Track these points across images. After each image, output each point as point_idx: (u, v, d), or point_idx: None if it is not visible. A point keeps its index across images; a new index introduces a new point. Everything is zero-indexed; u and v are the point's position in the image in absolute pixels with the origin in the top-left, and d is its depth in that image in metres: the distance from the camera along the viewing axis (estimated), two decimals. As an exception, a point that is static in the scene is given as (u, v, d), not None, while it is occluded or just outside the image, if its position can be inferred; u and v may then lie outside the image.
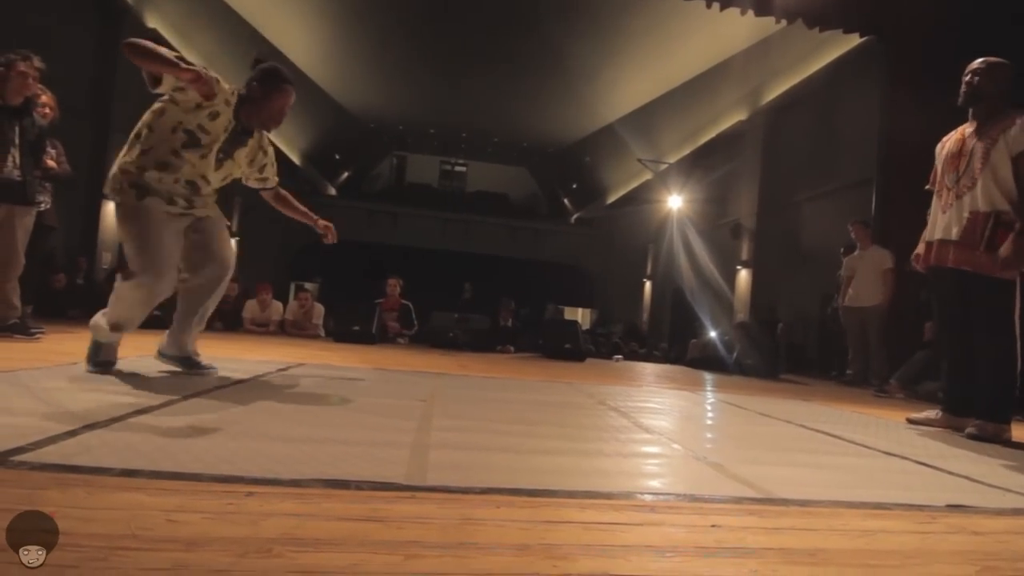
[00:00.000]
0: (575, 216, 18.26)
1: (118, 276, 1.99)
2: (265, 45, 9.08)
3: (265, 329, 5.97)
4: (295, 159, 14.28)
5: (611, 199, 16.17)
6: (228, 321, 5.99)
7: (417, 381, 2.66)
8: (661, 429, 1.85)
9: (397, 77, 12.26)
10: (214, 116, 1.91)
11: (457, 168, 19.26)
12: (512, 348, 6.21)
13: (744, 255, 9.36)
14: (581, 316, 16.53)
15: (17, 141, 2.95)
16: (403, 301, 6.31)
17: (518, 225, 16.71)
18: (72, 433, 1.12)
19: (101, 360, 1.96)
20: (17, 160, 2.94)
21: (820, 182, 7.93)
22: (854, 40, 6.66)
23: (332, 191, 17.32)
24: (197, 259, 2.04)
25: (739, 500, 1.05)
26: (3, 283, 2.99)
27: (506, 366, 4.27)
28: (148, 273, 1.87)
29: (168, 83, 1.81)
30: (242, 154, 2.07)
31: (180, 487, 0.87)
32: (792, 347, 7.33)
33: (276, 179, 2.28)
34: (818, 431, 2.03)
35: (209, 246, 2.06)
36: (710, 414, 2.50)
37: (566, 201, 18.63)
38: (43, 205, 3.38)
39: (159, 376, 2.02)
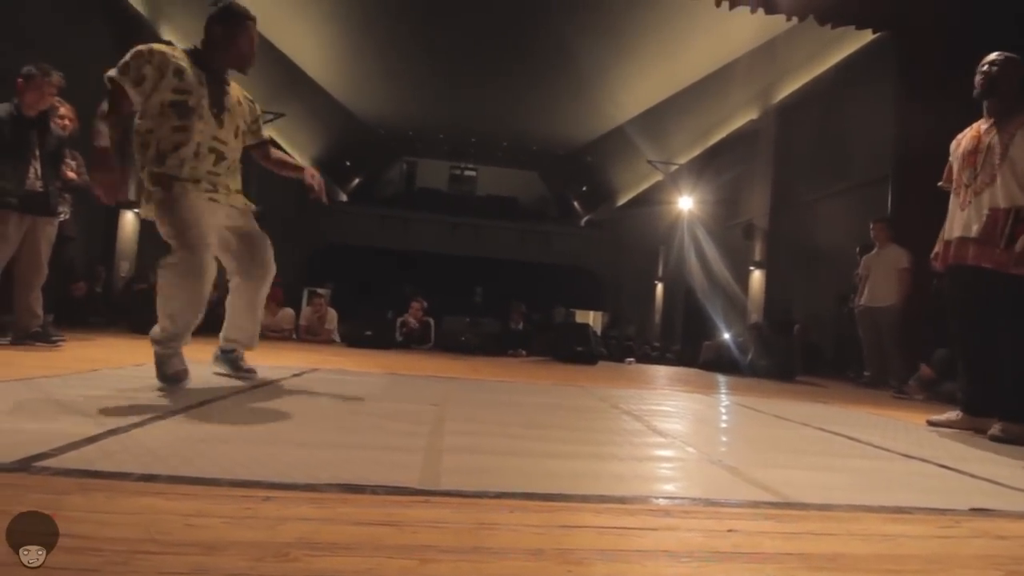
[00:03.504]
0: (585, 219, 18.22)
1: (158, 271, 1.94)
2: (276, 53, 9.23)
3: (278, 334, 6.03)
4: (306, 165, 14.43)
5: (621, 201, 16.11)
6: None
7: (429, 385, 2.67)
8: (675, 432, 1.83)
9: (406, 84, 12.36)
10: (179, 73, 1.89)
11: (467, 173, 19.33)
12: (524, 352, 6.21)
13: (757, 255, 9.26)
14: (592, 319, 16.48)
15: (38, 153, 3.02)
16: (425, 319, 6.34)
17: (528, 228, 16.73)
18: (93, 439, 1.14)
19: (168, 375, 1.89)
20: (39, 171, 3.01)
21: (834, 181, 7.83)
22: (867, 36, 6.58)
23: (343, 197, 17.48)
24: (245, 264, 2.13)
25: (756, 504, 1.04)
26: (27, 293, 3.07)
27: (518, 370, 4.27)
28: (184, 248, 1.86)
29: (134, 95, 1.85)
30: (233, 103, 2.05)
31: (198, 492, 0.89)
32: (808, 348, 7.22)
33: (264, 135, 2.28)
34: (836, 434, 2.00)
35: (254, 252, 2.14)
36: (725, 417, 2.48)
37: (576, 204, 18.60)
38: (63, 215, 3.46)
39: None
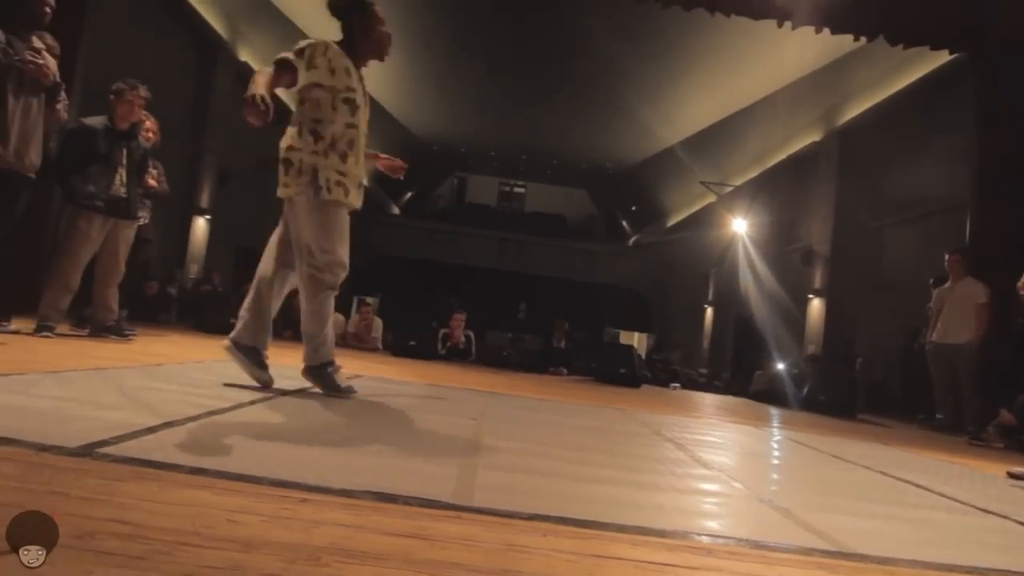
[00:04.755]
0: (633, 239, 17.96)
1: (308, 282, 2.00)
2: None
3: (328, 340, 6.23)
4: (363, 179, 15.05)
5: (671, 222, 15.80)
6: (297, 331, 6.30)
7: (469, 399, 2.67)
8: (721, 465, 1.74)
9: (460, 101, 12.72)
10: (348, 71, 1.95)
11: (516, 189, 19.57)
12: (565, 370, 6.13)
13: (817, 283, 8.81)
14: (637, 341, 16.12)
15: (124, 162, 3.29)
16: (466, 332, 6.39)
17: (575, 247, 16.67)
18: (152, 429, 1.20)
19: (334, 386, 2.05)
20: (124, 179, 3.28)
21: (904, 207, 7.38)
22: (942, 57, 6.21)
23: (396, 210, 18.06)
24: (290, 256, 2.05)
25: (808, 551, 0.96)
26: (104, 289, 3.32)
27: (558, 388, 4.21)
28: (339, 266, 1.98)
29: (303, 76, 1.88)
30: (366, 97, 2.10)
31: (242, 488, 0.92)
32: (872, 384, 6.76)
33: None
34: (901, 480, 1.85)
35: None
36: (776, 452, 2.34)
37: (624, 223, 18.39)
38: (143, 220, 3.74)
39: (232, 380, 2.15)
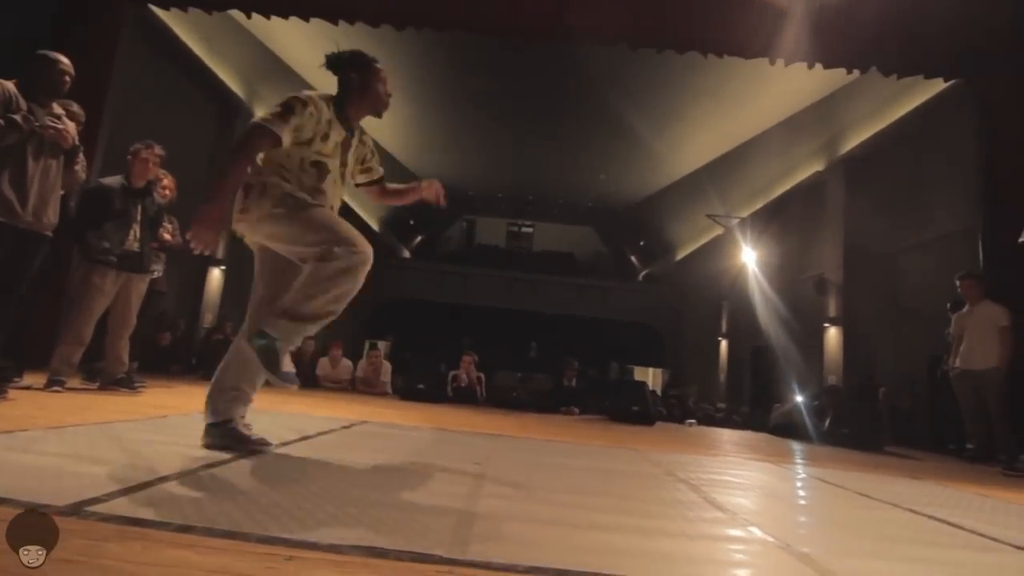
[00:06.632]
0: (643, 273, 17.94)
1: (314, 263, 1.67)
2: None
3: (338, 385, 6.21)
4: (373, 225, 15.38)
5: (680, 255, 15.79)
6: (305, 378, 6.31)
7: (475, 443, 2.61)
8: (737, 507, 1.66)
9: (466, 146, 13.10)
10: (325, 137, 1.82)
11: (524, 229, 19.81)
12: (576, 409, 6.01)
13: (832, 311, 8.65)
14: (651, 377, 15.82)
15: (139, 218, 3.40)
16: (477, 374, 6.34)
17: (585, 283, 16.66)
18: (146, 485, 1.19)
19: (281, 371, 1.64)
20: (137, 234, 3.38)
21: (915, 232, 7.30)
22: (939, 84, 6.30)
23: (407, 254, 18.33)
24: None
25: (828, 601, 0.90)
26: (116, 341, 3.37)
27: (568, 429, 4.11)
28: (347, 243, 1.67)
29: (287, 137, 1.74)
30: (351, 157, 1.96)
31: (228, 546, 0.89)
32: (897, 415, 6.50)
33: (381, 169, 2.11)
34: (933, 518, 1.74)
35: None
36: (797, 492, 2.23)
37: (633, 259, 18.43)
38: (156, 273, 3.83)
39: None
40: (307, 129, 1.78)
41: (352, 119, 1.94)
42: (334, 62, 1.92)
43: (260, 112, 1.75)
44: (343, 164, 1.92)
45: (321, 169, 1.82)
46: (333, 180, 1.86)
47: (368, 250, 1.72)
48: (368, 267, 1.72)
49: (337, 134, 1.86)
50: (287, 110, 1.74)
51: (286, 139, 1.74)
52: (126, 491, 1.11)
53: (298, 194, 1.75)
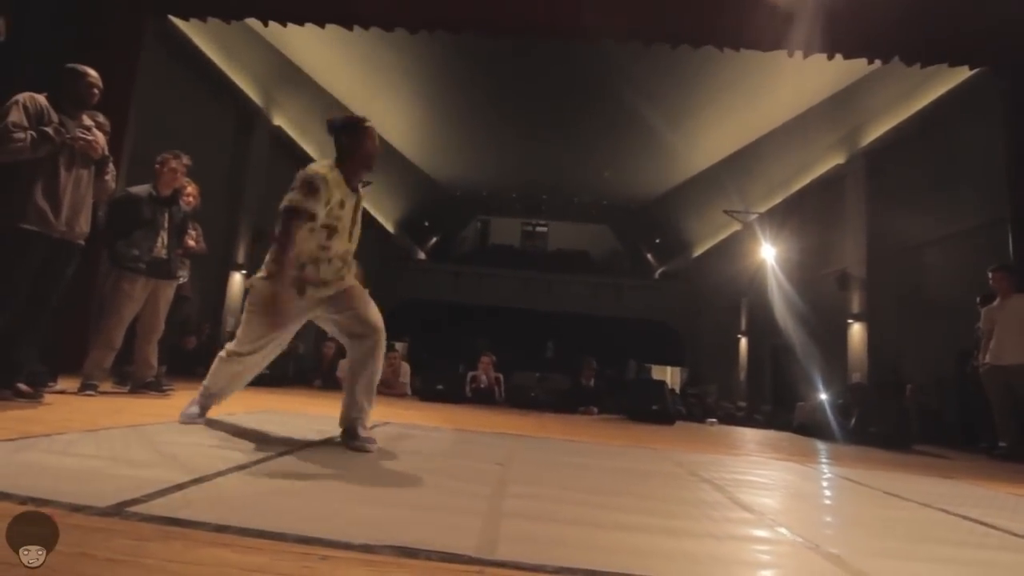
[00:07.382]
0: (659, 271, 17.78)
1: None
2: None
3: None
4: (389, 228, 15.52)
5: (697, 252, 15.61)
6: (326, 379, 6.38)
7: (495, 443, 2.62)
8: (763, 507, 1.64)
9: (481, 149, 13.14)
10: (342, 204, 2.08)
11: (538, 228, 19.79)
12: (595, 409, 5.99)
13: (855, 307, 8.47)
14: (670, 375, 15.68)
15: (166, 225, 3.49)
16: (496, 374, 6.36)
17: (600, 282, 16.58)
18: (180, 486, 1.22)
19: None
20: (165, 242, 3.46)
21: (941, 225, 7.11)
22: (964, 71, 6.13)
23: (422, 255, 18.45)
24: (356, 330, 2.16)
25: (860, 603, 0.88)
26: (145, 346, 3.46)
27: (587, 429, 4.10)
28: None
29: (323, 211, 2.01)
30: (357, 214, 2.21)
31: (263, 546, 0.91)
32: (925, 412, 6.34)
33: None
34: (965, 517, 1.70)
35: (360, 316, 2.16)
36: (824, 491, 2.20)
37: (649, 256, 18.28)
38: (182, 278, 3.92)
39: (261, 431, 2.17)
40: (325, 201, 2.01)
41: (352, 181, 2.16)
42: (330, 130, 2.16)
43: (286, 197, 1.93)
44: (353, 223, 2.19)
45: (332, 230, 2.09)
46: (339, 237, 2.13)
47: (247, 350, 2.21)
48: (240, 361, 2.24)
49: (348, 198, 2.12)
50: (312, 189, 1.98)
51: (321, 213, 2.01)
52: (164, 492, 1.15)
53: (299, 274, 2.07)
